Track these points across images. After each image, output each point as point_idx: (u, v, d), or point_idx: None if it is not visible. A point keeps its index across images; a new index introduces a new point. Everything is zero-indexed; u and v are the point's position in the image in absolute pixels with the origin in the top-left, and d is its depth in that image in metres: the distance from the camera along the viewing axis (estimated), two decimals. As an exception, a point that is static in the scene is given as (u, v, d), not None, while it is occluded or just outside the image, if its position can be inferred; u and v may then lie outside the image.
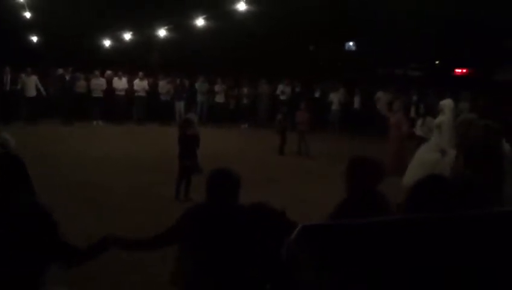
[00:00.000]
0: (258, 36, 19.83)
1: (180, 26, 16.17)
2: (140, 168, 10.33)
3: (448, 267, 2.47)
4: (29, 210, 2.90)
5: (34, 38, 18.94)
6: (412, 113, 15.53)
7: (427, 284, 2.43)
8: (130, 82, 17.75)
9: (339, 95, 17.38)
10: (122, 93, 17.51)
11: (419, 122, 10.15)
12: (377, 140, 15.06)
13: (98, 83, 17.24)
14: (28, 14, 16.57)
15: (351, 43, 26.49)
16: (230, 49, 20.47)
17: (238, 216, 3.07)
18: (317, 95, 18.32)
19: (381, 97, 16.78)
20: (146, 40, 17.67)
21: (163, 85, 17.87)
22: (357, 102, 17.88)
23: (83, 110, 17.11)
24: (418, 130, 9.66)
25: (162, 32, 16.82)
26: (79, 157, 11.24)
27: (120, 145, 13.05)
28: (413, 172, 8.36)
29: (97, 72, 17.35)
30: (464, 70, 23.85)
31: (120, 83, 17.52)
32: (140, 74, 17.59)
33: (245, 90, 18.47)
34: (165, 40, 17.61)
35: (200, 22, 15.57)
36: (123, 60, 18.62)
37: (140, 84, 17.55)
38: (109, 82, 17.58)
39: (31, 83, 16.32)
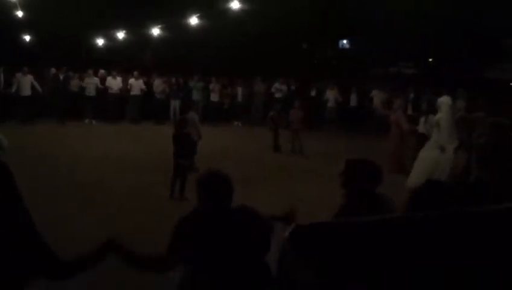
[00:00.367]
0: (253, 35, 19.84)
1: (175, 25, 16.12)
2: (139, 168, 10.30)
3: (444, 266, 2.47)
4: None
5: (27, 38, 18.82)
6: (409, 111, 15.58)
7: (424, 283, 2.43)
8: (125, 81, 17.69)
9: (334, 93, 17.41)
10: (116, 92, 17.44)
11: (422, 120, 10.17)
12: (374, 138, 15.11)
13: (91, 82, 17.17)
14: (20, 13, 16.45)
15: (344, 41, 26.54)
16: (224, 48, 20.47)
17: (236, 219, 2.99)
18: (313, 93, 18.33)
19: (376, 95, 16.84)
20: (140, 39, 17.61)
21: (159, 84, 17.84)
22: (353, 100, 17.91)
23: (77, 110, 17.04)
24: (421, 128, 9.68)
25: (156, 31, 16.77)
26: (76, 157, 11.20)
27: (117, 145, 13.00)
28: (416, 171, 8.41)
29: (90, 71, 17.27)
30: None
31: (114, 82, 17.46)
32: (136, 73, 17.54)
33: (239, 88, 18.47)
34: (160, 39, 17.57)
35: (194, 20, 15.53)
36: (117, 59, 18.55)
37: (136, 83, 17.51)
38: (103, 81, 17.51)
39: (27, 83, 16.24)
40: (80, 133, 14.88)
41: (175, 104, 17.72)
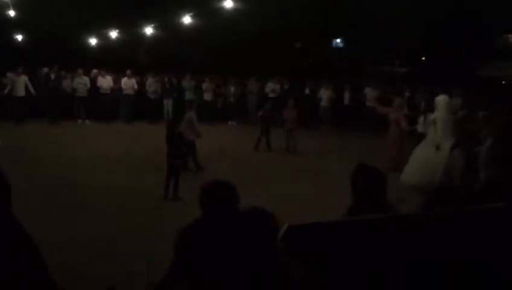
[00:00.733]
0: (246, 34, 19.84)
1: (168, 24, 16.09)
2: (137, 168, 10.28)
3: (438, 265, 2.50)
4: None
5: (19, 37, 18.69)
6: (405, 110, 15.65)
7: (417, 282, 2.46)
8: (118, 80, 17.63)
9: (328, 92, 17.46)
10: (107, 91, 17.39)
11: (421, 119, 10.22)
12: (368, 136, 15.20)
13: (81, 82, 17.07)
14: (12, 13, 16.34)
15: (338, 40, 26.61)
16: (218, 47, 20.45)
17: (243, 229, 2.85)
18: (307, 92, 18.36)
19: (369, 93, 16.91)
20: (133, 39, 17.55)
21: (151, 83, 17.79)
22: (347, 98, 17.96)
23: (69, 110, 16.96)
24: (420, 127, 9.74)
25: (149, 31, 16.72)
26: (74, 158, 11.16)
27: (113, 145, 12.97)
28: (410, 168, 8.48)
29: (80, 71, 17.16)
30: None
31: (104, 82, 17.38)
32: (128, 72, 17.46)
33: (232, 88, 18.46)
34: (153, 38, 17.51)
35: (187, 19, 15.51)
36: (110, 58, 18.46)
37: (128, 83, 17.45)
38: (94, 81, 17.45)
39: (21, 83, 16.14)
40: (74, 134, 14.81)
41: (168, 103, 17.68)
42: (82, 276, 5.03)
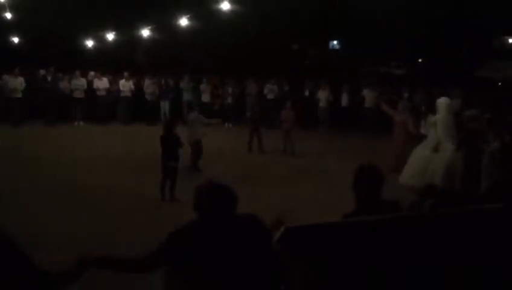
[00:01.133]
0: (244, 35, 19.86)
1: (166, 26, 16.10)
2: (136, 168, 10.27)
3: (437, 265, 2.53)
4: None
5: (15, 39, 18.67)
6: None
7: (411, 280, 2.49)
8: (115, 82, 17.63)
9: (326, 93, 17.50)
10: (104, 93, 17.35)
11: (422, 122, 10.25)
12: (366, 137, 15.24)
13: (78, 83, 17.06)
14: (8, 15, 16.33)
15: (335, 42, 26.67)
16: (215, 49, 20.47)
17: (238, 231, 2.85)
18: (306, 93, 18.38)
19: (368, 94, 16.97)
20: (131, 40, 17.56)
21: (148, 85, 17.80)
22: (345, 100, 18.00)
23: (66, 112, 16.93)
24: (423, 129, 9.79)
25: (146, 32, 16.73)
26: (73, 159, 11.17)
27: (111, 146, 12.98)
28: (409, 169, 8.50)
29: (77, 73, 17.15)
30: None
31: (101, 83, 17.36)
32: (126, 74, 17.48)
33: (229, 89, 18.48)
34: (151, 40, 17.52)
35: (184, 21, 15.53)
36: (108, 60, 18.47)
37: (126, 85, 17.44)
38: (91, 82, 17.44)
39: (18, 84, 16.11)
40: (72, 135, 14.84)
41: (165, 105, 17.68)
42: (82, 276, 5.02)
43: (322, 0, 19.51)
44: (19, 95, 16.13)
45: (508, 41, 23.97)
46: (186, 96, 18.09)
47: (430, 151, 8.20)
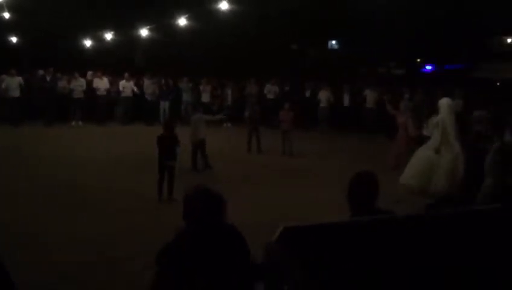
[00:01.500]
0: (243, 36, 19.87)
1: (165, 26, 16.10)
2: (136, 169, 10.23)
3: (432, 265, 2.54)
4: None
5: (14, 39, 18.66)
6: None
7: (409, 281, 2.50)
8: (115, 82, 17.63)
9: (327, 94, 17.50)
10: (103, 93, 17.36)
11: (425, 124, 10.26)
12: (367, 138, 15.26)
13: (78, 83, 17.03)
14: (7, 15, 16.32)
15: (333, 42, 26.68)
16: (215, 49, 20.46)
17: (223, 240, 2.81)
18: (307, 94, 18.37)
19: (369, 95, 16.99)
20: (130, 40, 17.56)
21: (148, 85, 17.80)
22: (346, 100, 18.01)
23: (65, 112, 16.91)
24: (425, 130, 9.80)
25: (145, 32, 16.73)
26: (72, 159, 11.12)
27: (111, 146, 12.92)
28: (410, 169, 8.50)
29: (77, 74, 17.11)
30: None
31: (101, 83, 17.36)
32: (126, 74, 17.45)
33: (229, 90, 18.48)
34: (150, 40, 17.53)
35: (183, 21, 15.54)
36: (107, 60, 18.46)
37: (127, 85, 17.44)
38: (91, 83, 17.43)
39: (15, 84, 16.10)
40: (72, 135, 14.80)
41: (164, 105, 17.69)
42: (82, 276, 5.04)
43: (322, 0, 19.49)
44: (17, 95, 16.10)
45: (506, 41, 24.02)
46: (185, 96, 18.11)
47: (432, 153, 8.20)
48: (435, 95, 12.37)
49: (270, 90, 18.22)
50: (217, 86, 18.74)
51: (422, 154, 8.40)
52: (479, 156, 6.43)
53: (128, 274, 5.09)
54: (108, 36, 17.33)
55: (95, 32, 17.62)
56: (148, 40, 17.44)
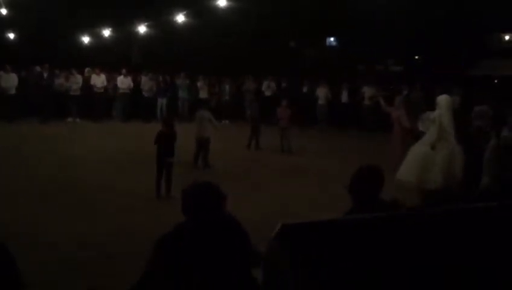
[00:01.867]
0: (241, 33, 19.85)
1: (162, 23, 16.08)
2: (136, 166, 10.19)
3: (431, 264, 2.53)
4: None
5: (11, 36, 18.60)
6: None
7: (409, 280, 2.50)
8: (112, 79, 17.59)
9: (325, 91, 17.51)
10: (101, 90, 17.32)
11: (421, 118, 10.27)
12: (365, 135, 15.27)
13: (74, 80, 16.98)
14: (4, 11, 16.28)
15: (332, 39, 26.66)
16: (213, 46, 20.45)
17: (223, 232, 2.82)
18: (305, 90, 18.38)
19: (367, 92, 17.01)
20: (127, 37, 17.53)
21: (145, 82, 17.78)
22: (344, 97, 18.03)
23: (61, 109, 16.86)
24: (420, 126, 9.82)
25: (142, 29, 16.71)
26: (72, 157, 11.05)
27: (110, 144, 12.85)
28: (406, 165, 8.52)
29: (74, 71, 17.06)
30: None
31: (98, 80, 17.32)
32: (124, 70, 17.43)
33: (226, 86, 18.48)
34: (148, 37, 17.51)
35: (181, 18, 15.52)
36: (105, 57, 18.43)
37: (125, 81, 17.40)
38: (88, 79, 17.37)
39: (11, 81, 16.04)
40: (69, 133, 14.69)
41: (162, 102, 17.67)
42: (82, 276, 5.04)
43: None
44: (13, 92, 16.04)
45: (504, 38, 24.04)
46: (182, 93, 18.10)
47: (428, 148, 8.22)
48: (433, 92, 12.37)
49: (268, 87, 18.23)
50: (215, 82, 18.74)
51: (418, 150, 8.40)
52: (479, 153, 6.44)
53: (128, 273, 5.09)
54: (106, 33, 17.29)
55: (92, 29, 17.58)
56: (145, 36, 17.42)
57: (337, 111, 17.59)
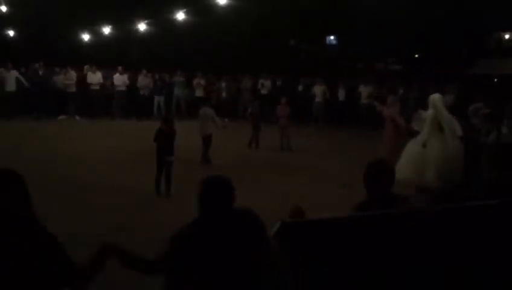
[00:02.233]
0: (242, 33, 19.86)
1: (162, 20, 16.07)
2: (135, 166, 10.14)
3: (431, 262, 2.54)
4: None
5: (11, 33, 18.57)
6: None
7: (408, 277, 2.51)
8: (109, 76, 17.56)
9: (322, 89, 17.51)
10: (97, 87, 17.28)
11: (415, 117, 10.28)
12: (362, 133, 15.25)
13: (68, 77, 16.90)
14: (4, 8, 16.26)
15: (332, 37, 26.65)
16: (211, 44, 20.44)
17: (239, 225, 2.80)
18: (300, 88, 18.38)
19: (364, 90, 17.00)
20: (127, 34, 17.50)
21: (142, 79, 17.74)
22: (341, 95, 18.02)
23: (60, 106, 16.82)
24: (414, 125, 9.83)
25: (142, 27, 16.69)
26: (70, 156, 11.03)
27: (108, 142, 12.77)
28: (401, 162, 8.54)
29: (69, 68, 16.99)
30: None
31: (95, 78, 17.27)
32: (120, 68, 17.37)
33: (223, 84, 18.42)
34: (146, 35, 17.48)
35: (180, 15, 15.50)
36: (103, 54, 18.40)
37: (120, 79, 17.37)
38: (84, 77, 17.31)
39: (11, 78, 16.02)
40: (67, 130, 14.63)
41: (159, 100, 17.64)
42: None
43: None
44: (13, 89, 16.02)
45: (504, 37, 24.06)
46: (177, 91, 18.06)
47: (420, 147, 8.24)
48: (428, 91, 12.40)
49: (264, 85, 18.19)
50: (214, 81, 18.71)
51: (411, 150, 8.43)
52: (477, 150, 6.45)
53: (129, 273, 5.08)
54: (106, 30, 17.26)
55: (92, 26, 17.56)
56: (144, 34, 17.39)
57: (334, 109, 17.60)
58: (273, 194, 8.19)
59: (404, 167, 8.33)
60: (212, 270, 2.69)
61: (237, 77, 18.84)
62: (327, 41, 26.73)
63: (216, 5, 14.15)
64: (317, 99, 17.41)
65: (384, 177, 3.33)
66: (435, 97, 8.45)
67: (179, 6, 15.58)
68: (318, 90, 17.46)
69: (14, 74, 16.13)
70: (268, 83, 18.29)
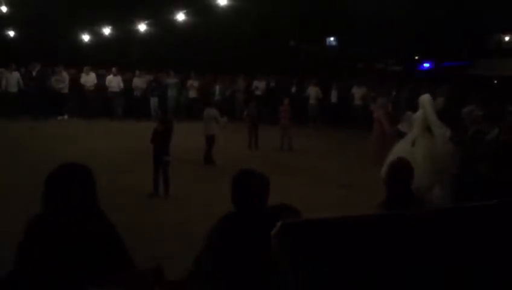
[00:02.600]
0: (242, 33, 19.86)
1: (161, 21, 16.09)
2: (135, 166, 10.07)
3: (433, 263, 2.53)
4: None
5: (11, 33, 18.60)
6: (389, 108, 15.76)
7: (408, 277, 2.50)
8: (104, 77, 17.55)
9: (316, 90, 17.50)
10: (92, 88, 17.28)
11: (403, 117, 10.30)
12: (356, 134, 15.24)
13: (60, 79, 16.88)
14: (4, 9, 16.28)
15: (332, 39, 26.66)
16: (209, 45, 20.46)
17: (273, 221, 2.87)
18: (293, 90, 18.34)
19: (357, 92, 17.02)
20: (127, 35, 17.51)
21: (135, 80, 17.73)
22: (334, 96, 18.01)
23: (55, 107, 16.81)
24: (401, 126, 9.84)
25: (142, 27, 16.70)
26: (67, 156, 10.99)
27: (104, 142, 12.72)
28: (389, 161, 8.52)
29: (61, 68, 16.93)
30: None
31: (88, 79, 17.25)
32: (114, 69, 17.31)
33: (217, 86, 18.40)
34: (146, 35, 17.50)
35: (180, 16, 15.52)
36: (102, 55, 18.41)
37: (113, 80, 17.34)
38: (79, 78, 17.30)
39: (13, 79, 16.02)
40: (62, 131, 14.51)
41: (154, 101, 17.63)
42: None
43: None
44: (15, 90, 16.03)
45: (504, 39, 24.08)
46: (171, 92, 18.02)
47: (408, 146, 8.24)
48: (419, 92, 12.43)
49: (257, 86, 18.17)
50: (211, 81, 18.69)
51: (401, 149, 8.41)
52: (471, 152, 6.45)
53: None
54: (106, 31, 17.28)
55: (91, 27, 17.58)
56: (144, 34, 17.40)
57: (329, 110, 17.60)
58: (273, 194, 8.17)
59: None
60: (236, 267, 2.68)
61: (235, 78, 18.84)
62: (327, 43, 26.74)
63: (216, 6, 14.16)
64: (311, 100, 17.39)
65: (402, 177, 3.52)
66: (425, 98, 8.43)
67: (179, 7, 15.60)
68: (312, 91, 17.44)
69: (16, 75, 16.15)
70: (262, 84, 18.25)
